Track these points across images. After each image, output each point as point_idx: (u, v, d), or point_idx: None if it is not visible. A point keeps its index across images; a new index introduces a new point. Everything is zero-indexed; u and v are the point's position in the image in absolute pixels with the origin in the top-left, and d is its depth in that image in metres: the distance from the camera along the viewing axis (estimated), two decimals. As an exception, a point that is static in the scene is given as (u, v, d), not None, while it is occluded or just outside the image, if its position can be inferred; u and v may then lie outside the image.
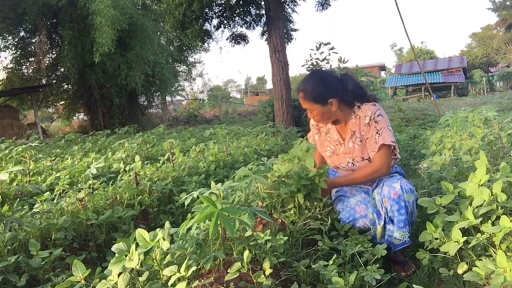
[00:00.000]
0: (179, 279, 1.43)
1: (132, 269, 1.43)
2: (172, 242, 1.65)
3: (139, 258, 1.42)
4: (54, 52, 14.75)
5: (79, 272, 1.48)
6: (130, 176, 3.41)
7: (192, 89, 29.27)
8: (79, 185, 3.28)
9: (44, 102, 16.12)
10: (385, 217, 2.05)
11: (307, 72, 12.90)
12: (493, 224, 1.62)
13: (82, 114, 17.14)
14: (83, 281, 1.47)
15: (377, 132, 2.12)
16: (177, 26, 12.39)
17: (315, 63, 10.87)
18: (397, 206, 2.00)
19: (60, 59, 13.58)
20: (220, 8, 12.34)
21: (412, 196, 2.02)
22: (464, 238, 1.65)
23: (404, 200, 1.99)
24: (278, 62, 11.21)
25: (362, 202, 2.13)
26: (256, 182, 1.94)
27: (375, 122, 2.14)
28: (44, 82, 14.91)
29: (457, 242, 1.66)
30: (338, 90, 2.17)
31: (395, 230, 2.02)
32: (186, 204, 1.99)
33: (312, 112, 2.19)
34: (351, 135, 2.24)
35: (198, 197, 1.90)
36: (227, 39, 13.08)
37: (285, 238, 1.83)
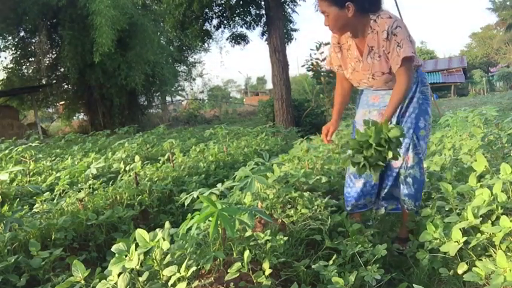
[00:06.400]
0: (179, 280, 1.43)
1: (132, 269, 1.43)
2: (172, 242, 1.65)
3: (139, 259, 1.42)
4: (54, 52, 14.75)
5: (79, 272, 1.48)
6: (130, 176, 3.41)
7: (192, 89, 29.17)
8: (79, 185, 3.27)
9: (44, 102, 16.11)
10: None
11: (307, 73, 12.80)
12: (493, 224, 1.62)
13: (82, 114, 17.13)
14: (82, 281, 1.47)
15: (398, 45, 2.06)
16: (177, 26, 12.38)
17: (315, 63, 10.88)
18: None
19: (60, 59, 13.58)
20: (220, 8, 12.34)
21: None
22: (464, 238, 1.65)
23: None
24: (278, 62, 11.20)
25: None
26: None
27: (394, 35, 2.06)
28: (44, 82, 14.91)
29: (457, 242, 1.66)
30: None
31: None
32: (186, 204, 2.00)
33: (328, 17, 2.10)
34: (369, 51, 2.19)
35: (198, 197, 1.90)
36: (227, 39, 13.07)
37: (285, 238, 1.83)
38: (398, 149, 1.94)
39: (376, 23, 2.11)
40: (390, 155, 1.86)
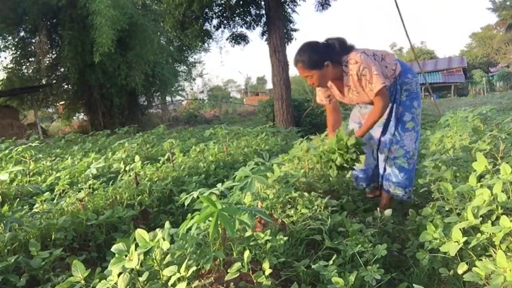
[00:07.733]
0: (179, 280, 1.43)
1: (132, 269, 1.43)
2: (172, 242, 1.65)
3: (139, 259, 1.42)
4: (54, 52, 14.75)
5: (79, 272, 1.48)
6: (130, 176, 3.41)
7: (192, 89, 29.25)
8: (79, 185, 3.28)
9: (44, 102, 16.12)
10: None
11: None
12: (493, 224, 1.62)
13: (82, 114, 17.13)
14: (82, 281, 1.47)
15: (369, 82, 2.47)
16: (177, 26, 12.36)
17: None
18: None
19: (60, 59, 13.59)
20: (220, 8, 12.33)
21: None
22: (465, 238, 1.65)
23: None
24: (278, 62, 11.20)
25: None
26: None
27: (363, 75, 2.48)
28: (44, 82, 14.91)
29: (457, 242, 1.66)
30: (329, 53, 2.53)
31: None
32: (186, 204, 1.99)
33: (312, 78, 2.54)
34: (348, 89, 2.63)
35: (198, 197, 1.90)
36: (227, 39, 13.06)
37: (285, 238, 1.83)
38: (360, 156, 2.48)
39: (347, 67, 2.54)
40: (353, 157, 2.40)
